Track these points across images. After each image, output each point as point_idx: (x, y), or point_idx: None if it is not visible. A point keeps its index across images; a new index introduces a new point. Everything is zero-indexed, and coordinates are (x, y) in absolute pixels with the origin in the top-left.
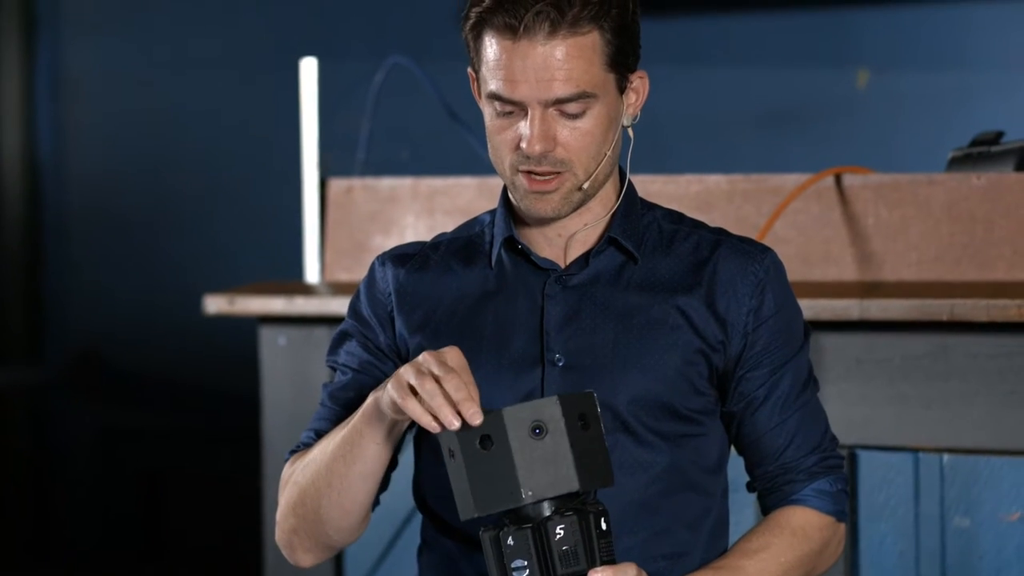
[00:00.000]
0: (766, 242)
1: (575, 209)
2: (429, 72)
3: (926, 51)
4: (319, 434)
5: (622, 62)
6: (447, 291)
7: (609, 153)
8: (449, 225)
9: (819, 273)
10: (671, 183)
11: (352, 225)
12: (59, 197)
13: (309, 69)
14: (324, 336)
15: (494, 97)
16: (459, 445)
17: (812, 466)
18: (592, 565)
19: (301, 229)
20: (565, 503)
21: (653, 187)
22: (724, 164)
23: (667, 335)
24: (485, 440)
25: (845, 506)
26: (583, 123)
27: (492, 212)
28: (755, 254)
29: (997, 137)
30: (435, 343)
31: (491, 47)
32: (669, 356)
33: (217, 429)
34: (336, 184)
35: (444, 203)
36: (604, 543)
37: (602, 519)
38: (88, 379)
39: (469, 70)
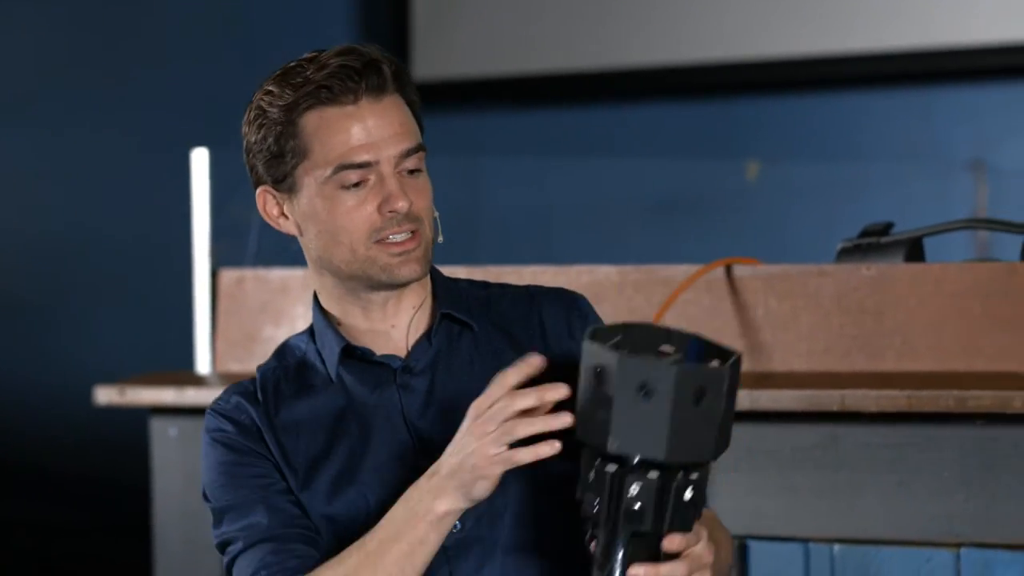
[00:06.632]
0: None
1: (426, 270)
2: None
3: (816, 142)
4: None
5: (422, 128)
6: (300, 417)
7: (436, 215)
8: None
9: None
10: (561, 274)
11: (243, 316)
12: None
13: (200, 159)
14: None
15: (346, 168)
16: (616, 382)
17: None
18: (657, 530)
19: (192, 319)
20: (654, 466)
21: (544, 277)
22: (614, 255)
23: None
24: (643, 387)
25: None
26: (422, 178)
27: (299, 337)
28: (570, 294)
29: (887, 228)
30: (305, 470)
31: (323, 123)
32: None
33: (107, 521)
34: (227, 274)
35: None
36: (682, 513)
37: (688, 489)
38: None
39: (261, 190)
